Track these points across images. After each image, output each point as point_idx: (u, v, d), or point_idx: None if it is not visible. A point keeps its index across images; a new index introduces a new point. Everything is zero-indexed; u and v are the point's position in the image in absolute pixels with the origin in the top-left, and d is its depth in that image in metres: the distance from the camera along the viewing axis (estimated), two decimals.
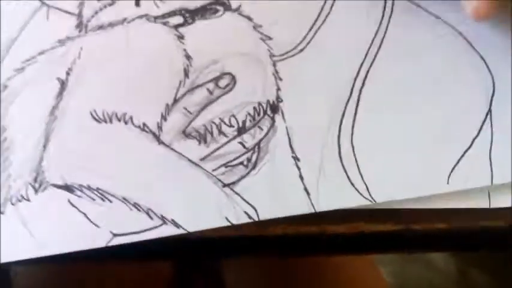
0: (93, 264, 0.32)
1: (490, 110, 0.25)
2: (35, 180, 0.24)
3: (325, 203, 0.23)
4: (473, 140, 0.24)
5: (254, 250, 0.25)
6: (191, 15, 0.28)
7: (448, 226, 0.23)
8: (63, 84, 0.26)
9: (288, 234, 0.23)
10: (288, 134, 0.25)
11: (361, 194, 0.23)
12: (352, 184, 0.23)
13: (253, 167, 0.24)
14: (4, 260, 0.22)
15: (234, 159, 0.24)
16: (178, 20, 0.28)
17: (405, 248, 0.25)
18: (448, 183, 0.23)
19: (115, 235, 0.23)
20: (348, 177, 0.24)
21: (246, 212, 0.23)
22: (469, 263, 0.89)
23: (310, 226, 0.23)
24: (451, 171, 0.23)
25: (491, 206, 0.23)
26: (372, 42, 0.27)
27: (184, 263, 0.48)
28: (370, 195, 0.23)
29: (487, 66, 0.26)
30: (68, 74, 0.27)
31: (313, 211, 0.23)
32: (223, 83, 0.26)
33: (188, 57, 0.27)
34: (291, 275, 0.46)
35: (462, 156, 0.24)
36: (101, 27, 0.28)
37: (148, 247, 0.24)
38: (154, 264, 0.47)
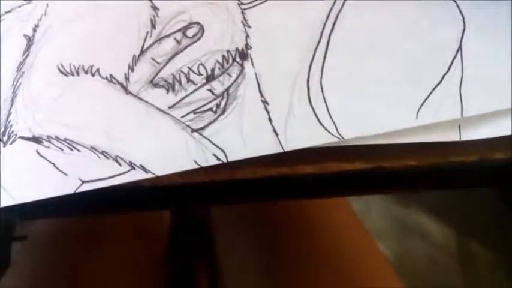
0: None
1: (460, 47, 0.25)
2: (3, 133, 0.24)
3: (294, 142, 0.23)
4: (444, 75, 0.24)
5: (225, 195, 0.25)
6: None
7: (419, 163, 0.23)
8: (29, 40, 0.26)
9: (258, 177, 0.23)
10: (257, 80, 0.25)
11: (329, 132, 0.23)
12: (321, 123, 0.23)
13: (222, 112, 0.24)
14: None
15: (203, 106, 0.24)
16: None
17: (376, 188, 0.25)
18: (417, 118, 0.23)
19: (83, 182, 0.22)
20: (316, 116, 0.23)
21: (214, 155, 0.23)
22: (469, 236, 0.89)
23: (279, 168, 0.23)
24: (421, 106, 0.23)
25: (461, 139, 0.23)
26: None
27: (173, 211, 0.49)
28: (338, 132, 0.23)
29: (457, 4, 0.26)
30: (34, 30, 0.26)
31: (281, 151, 0.23)
32: (191, 32, 0.26)
33: (155, 8, 0.27)
34: (263, 218, 0.46)
35: (432, 91, 0.24)
36: None
37: (125, 197, 0.24)
38: (146, 221, 0.48)
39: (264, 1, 0.27)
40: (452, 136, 0.23)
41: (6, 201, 0.22)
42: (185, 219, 0.51)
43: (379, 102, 0.23)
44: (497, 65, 0.24)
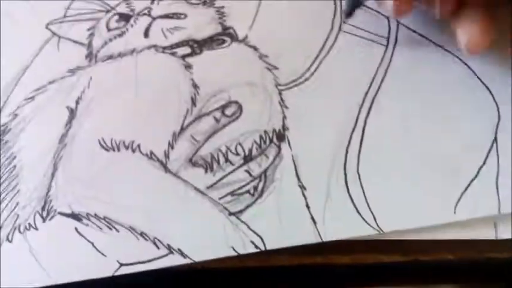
0: None
1: (495, 139, 0.25)
2: (43, 208, 0.24)
3: (332, 233, 0.23)
4: (480, 169, 0.24)
5: (258, 282, 0.25)
6: (199, 45, 0.29)
7: (456, 257, 0.23)
8: (72, 112, 0.27)
9: (292, 265, 0.23)
10: (294, 163, 0.25)
11: (368, 224, 0.23)
12: (359, 213, 0.23)
13: (260, 196, 0.24)
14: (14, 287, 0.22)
15: (240, 188, 0.24)
16: (186, 50, 0.29)
17: (413, 280, 0.25)
18: (455, 212, 0.23)
19: (122, 264, 0.22)
20: (354, 206, 0.24)
21: (252, 242, 0.23)
22: None
23: (314, 257, 0.23)
24: (458, 200, 0.23)
25: (497, 237, 0.23)
26: (377, 72, 0.27)
27: None
28: (377, 224, 0.23)
29: (492, 95, 0.26)
30: (77, 102, 0.27)
31: (320, 241, 0.23)
32: (229, 111, 0.27)
33: (195, 86, 0.27)
34: None
35: (469, 185, 0.24)
36: (110, 57, 0.29)
37: (153, 279, 0.24)
38: None
39: (301, 83, 0.28)
40: (488, 233, 0.23)
41: (44, 281, 0.22)
42: None
43: (418, 195, 0.24)
44: None
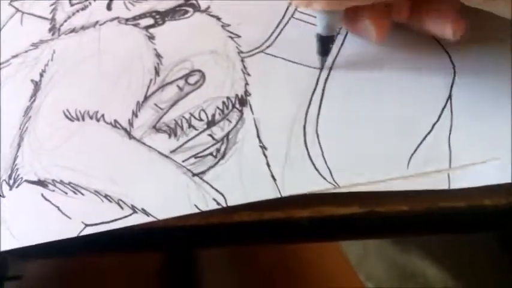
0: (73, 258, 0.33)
1: (450, 96, 0.26)
2: (10, 177, 0.25)
3: (291, 188, 0.24)
4: (434, 125, 0.25)
5: (221, 239, 0.25)
6: (161, 16, 0.29)
7: (411, 208, 0.24)
8: (36, 85, 0.27)
9: (253, 221, 0.24)
10: (255, 125, 0.26)
11: (325, 179, 0.24)
12: (317, 170, 0.24)
13: (222, 157, 0.25)
14: None
15: (204, 150, 0.25)
16: (148, 21, 0.29)
17: (370, 232, 0.26)
18: (408, 167, 0.24)
19: (86, 225, 0.23)
20: (312, 163, 0.24)
21: (214, 199, 0.24)
22: (468, 281, 0.89)
23: (274, 212, 0.24)
24: (411, 155, 0.24)
25: (450, 187, 0.24)
26: (336, 37, 0.28)
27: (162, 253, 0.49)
28: (333, 179, 0.24)
29: (448, 54, 0.27)
30: (41, 75, 0.28)
31: (279, 196, 0.24)
32: (193, 79, 0.27)
33: (158, 56, 0.28)
34: (257, 261, 0.46)
35: (422, 140, 0.25)
36: (73, 30, 0.29)
37: (122, 239, 0.24)
38: (140, 260, 0.48)
39: (263, 50, 0.28)
40: (441, 184, 0.24)
41: (10, 244, 0.23)
42: (174, 261, 0.52)
43: (373, 151, 0.25)
44: (486, 114, 0.25)
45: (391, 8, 0.25)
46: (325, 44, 0.25)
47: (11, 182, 0.25)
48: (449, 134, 0.25)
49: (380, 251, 0.94)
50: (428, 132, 0.25)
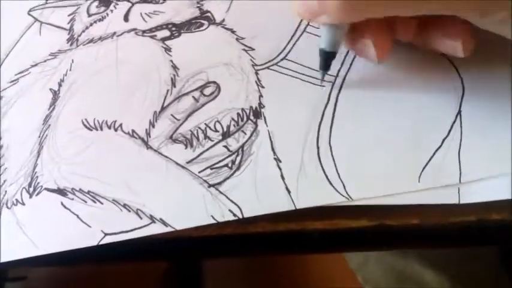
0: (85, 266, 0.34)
1: (459, 111, 0.27)
2: (30, 185, 0.25)
3: (305, 201, 0.24)
4: (444, 140, 0.26)
5: (236, 249, 0.26)
6: (177, 29, 0.30)
7: (420, 222, 0.25)
8: (55, 94, 0.28)
9: (267, 232, 0.24)
10: (270, 138, 0.26)
11: (338, 192, 0.24)
12: (330, 182, 0.25)
13: (237, 169, 0.25)
14: (2, 259, 0.23)
15: (219, 162, 0.26)
16: (165, 33, 0.30)
17: (379, 244, 0.27)
18: (419, 181, 0.25)
19: (106, 234, 0.24)
20: (326, 176, 0.25)
21: (230, 210, 0.24)
22: (465, 287, 0.89)
23: (288, 223, 0.24)
24: (422, 170, 0.25)
25: (460, 202, 0.25)
26: (348, 51, 0.29)
27: (172, 263, 0.50)
28: (346, 192, 0.24)
29: (456, 69, 0.28)
30: (60, 84, 0.28)
31: (293, 208, 0.24)
32: (208, 91, 0.28)
33: (175, 67, 0.28)
34: (256, 270, 0.47)
35: (433, 155, 0.25)
36: (91, 40, 0.30)
37: (138, 248, 0.25)
38: (145, 265, 0.48)
39: (276, 63, 0.29)
40: (451, 199, 0.25)
41: (31, 252, 0.23)
42: (178, 268, 0.52)
43: (385, 165, 0.25)
44: (495, 129, 0.26)
45: (393, 28, 0.25)
46: (327, 59, 0.26)
47: (31, 190, 0.25)
48: (459, 149, 0.26)
49: (379, 256, 0.94)
50: (439, 147, 0.26)
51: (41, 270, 0.47)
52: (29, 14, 0.31)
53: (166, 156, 0.26)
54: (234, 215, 0.24)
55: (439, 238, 0.26)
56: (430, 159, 0.25)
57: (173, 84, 0.28)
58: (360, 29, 0.24)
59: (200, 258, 0.47)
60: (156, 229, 0.24)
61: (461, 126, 0.26)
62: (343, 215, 0.25)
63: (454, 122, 0.26)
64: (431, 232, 0.25)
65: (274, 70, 0.28)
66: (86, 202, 0.24)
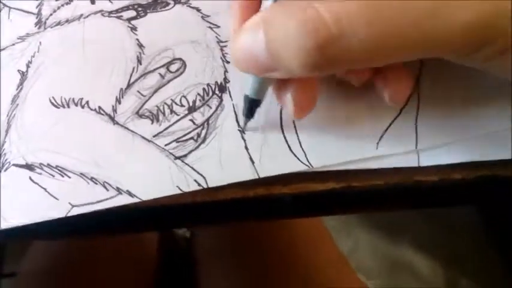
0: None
1: (417, 80, 0.27)
2: None
3: (268, 170, 0.25)
4: (402, 109, 0.27)
5: (206, 216, 0.27)
6: (143, 9, 0.30)
7: (385, 182, 0.25)
8: (23, 75, 0.28)
9: (237, 198, 0.25)
10: (234, 110, 0.27)
11: (299, 160, 0.25)
12: (292, 151, 0.25)
13: (203, 141, 0.26)
14: None
15: (185, 135, 0.26)
16: (131, 13, 0.30)
17: (347, 207, 0.28)
18: (377, 148, 0.26)
19: (73, 206, 0.24)
20: (288, 146, 0.26)
21: (196, 181, 0.25)
22: (457, 273, 0.91)
23: (257, 189, 0.25)
24: (380, 137, 0.26)
25: (420, 165, 0.25)
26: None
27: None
28: (308, 160, 0.25)
29: None
30: (28, 66, 0.29)
31: (256, 177, 0.25)
32: (174, 67, 0.28)
33: (141, 46, 0.29)
34: (246, 245, 0.48)
35: (391, 124, 0.26)
36: (58, 23, 0.30)
37: (111, 220, 0.25)
38: (134, 252, 0.49)
39: None
40: (411, 162, 0.26)
41: (1, 225, 0.24)
42: (170, 248, 0.53)
43: (344, 134, 0.26)
44: (452, 98, 0.27)
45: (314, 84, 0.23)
46: (252, 106, 0.24)
47: None
48: (416, 117, 0.27)
49: (369, 242, 0.96)
50: (397, 116, 0.27)
51: (31, 266, 0.47)
52: None
53: (132, 131, 0.26)
54: (199, 184, 0.25)
55: (405, 198, 0.27)
56: (387, 127, 0.26)
57: (139, 62, 0.28)
58: (284, 82, 0.22)
59: (169, 227, 0.47)
60: (123, 200, 0.24)
61: (418, 96, 0.27)
62: (311, 179, 0.25)
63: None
64: (395, 193, 0.26)
65: None
66: (53, 176, 0.25)
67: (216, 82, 0.28)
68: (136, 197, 0.24)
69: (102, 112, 0.27)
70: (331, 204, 0.26)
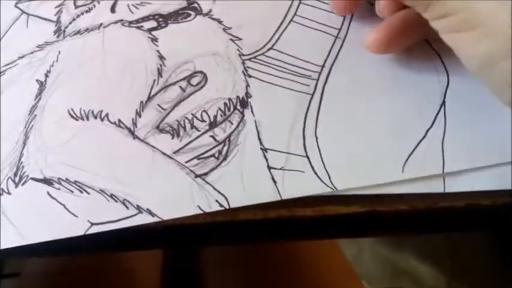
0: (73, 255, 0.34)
1: (443, 102, 0.27)
2: (15, 174, 0.25)
3: (291, 191, 0.25)
4: (427, 130, 0.26)
5: (226, 236, 0.26)
6: (164, 19, 0.30)
7: (410, 208, 0.25)
8: (42, 85, 0.28)
9: (258, 219, 0.24)
10: (256, 127, 0.26)
11: (323, 182, 0.25)
12: (315, 173, 0.25)
13: (224, 159, 0.26)
14: None
15: (206, 152, 0.26)
16: (151, 24, 0.30)
17: (370, 231, 0.27)
18: (403, 171, 0.25)
19: (93, 224, 0.24)
20: (311, 166, 0.25)
21: (217, 201, 0.24)
22: (460, 280, 0.90)
23: (279, 210, 0.25)
24: (406, 160, 0.25)
25: (445, 191, 0.25)
26: (334, 43, 0.29)
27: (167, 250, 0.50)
28: (331, 183, 0.25)
29: (442, 61, 0.28)
30: (46, 75, 0.28)
31: (279, 199, 0.24)
32: (195, 80, 0.28)
33: (161, 57, 0.28)
34: (252, 259, 0.47)
35: (417, 146, 0.26)
36: (78, 32, 0.30)
37: (129, 237, 0.25)
38: (142, 257, 0.48)
39: (263, 53, 0.29)
40: (437, 187, 0.25)
41: (17, 241, 0.23)
42: (176, 260, 0.52)
43: (369, 156, 0.25)
44: (479, 121, 0.26)
45: None
46: None
47: (17, 179, 0.25)
48: (443, 139, 0.26)
49: (374, 250, 0.95)
50: (423, 138, 0.26)
51: (34, 267, 0.47)
52: (16, 7, 0.31)
53: (153, 146, 0.26)
54: (221, 205, 0.24)
55: (429, 224, 0.26)
56: (414, 150, 0.26)
57: (160, 74, 0.28)
58: None
59: (192, 246, 0.47)
60: (143, 219, 0.24)
61: (445, 117, 0.27)
62: (334, 201, 0.25)
63: (438, 112, 0.27)
64: (421, 218, 0.26)
65: (261, 60, 0.29)
66: (72, 192, 0.25)
67: (238, 97, 0.27)
68: (157, 216, 0.24)
69: (122, 125, 0.26)
70: (354, 227, 0.26)
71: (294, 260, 0.47)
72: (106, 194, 0.24)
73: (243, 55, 0.29)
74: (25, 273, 0.47)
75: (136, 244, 0.26)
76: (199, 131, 0.26)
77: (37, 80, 0.28)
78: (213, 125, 0.26)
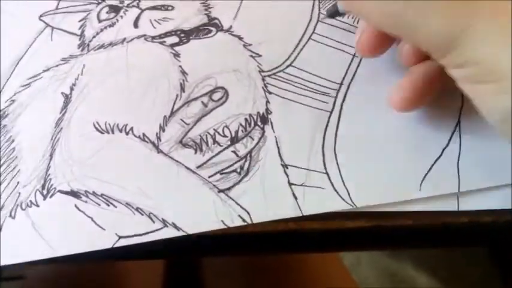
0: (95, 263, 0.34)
1: (459, 122, 0.28)
2: (43, 187, 0.26)
3: (311, 207, 0.25)
4: (443, 149, 0.27)
5: (236, 247, 0.27)
6: (186, 35, 0.31)
7: (414, 223, 0.26)
8: (67, 98, 0.28)
9: (267, 231, 0.25)
10: (277, 144, 0.27)
11: (343, 199, 0.25)
12: (335, 190, 0.26)
13: (246, 174, 0.26)
14: (16, 261, 0.24)
15: (228, 167, 0.26)
16: (174, 39, 0.31)
17: (375, 245, 0.28)
18: (420, 189, 0.26)
19: (120, 237, 0.24)
20: (331, 183, 0.26)
21: (240, 216, 0.25)
22: None
23: (287, 223, 0.25)
24: (423, 178, 0.26)
25: (459, 209, 0.26)
26: (352, 59, 0.30)
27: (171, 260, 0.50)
28: (351, 199, 0.25)
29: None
30: (71, 88, 0.29)
31: (300, 215, 0.25)
32: (216, 96, 0.29)
33: (184, 73, 0.29)
34: (260, 266, 0.48)
35: (433, 164, 0.26)
36: (101, 46, 0.30)
37: (139, 247, 0.25)
38: (149, 263, 0.49)
39: (283, 69, 0.30)
40: (450, 206, 0.26)
41: (47, 253, 0.24)
42: (178, 269, 0.53)
43: (387, 174, 0.26)
44: (494, 140, 0.27)
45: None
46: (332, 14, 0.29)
47: (45, 192, 0.26)
48: (458, 158, 0.27)
49: (372, 258, 0.96)
50: (439, 157, 0.27)
51: (38, 269, 0.47)
52: (40, 19, 0.31)
53: (177, 161, 0.27)
54: (244, 220, 0.25)
55: (433, 239, 0.27)
56: (430, 168, 0.26)
57: (182, 89, 0.29)
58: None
59: (200, 256, 0.47)
60: (169, 233, 0.25)
61: (460, 137, 0.27)
62: (341, 216, 0.26)
63: (454, 132, 0.27)
64: (425, 233, 0.26)
65: (280, 77, 0.29)
66: (99, 205, 0.25)
67: (258, 113, 0.28)
68: (182, 230, 0.25)
69: (146, 140, 0.27)
70: (360, 241, 0.27)
71: (294, 269, 0.47)
72: (132, 207, 0.25)
73: (263, 71, 0.29)
74: (25, 276, 0.47)
75: (143, 254, 0.26)
76: (221, 146, 0.27)
77: (62, 93, 0.29)
78: (234, 140, 0.27)
